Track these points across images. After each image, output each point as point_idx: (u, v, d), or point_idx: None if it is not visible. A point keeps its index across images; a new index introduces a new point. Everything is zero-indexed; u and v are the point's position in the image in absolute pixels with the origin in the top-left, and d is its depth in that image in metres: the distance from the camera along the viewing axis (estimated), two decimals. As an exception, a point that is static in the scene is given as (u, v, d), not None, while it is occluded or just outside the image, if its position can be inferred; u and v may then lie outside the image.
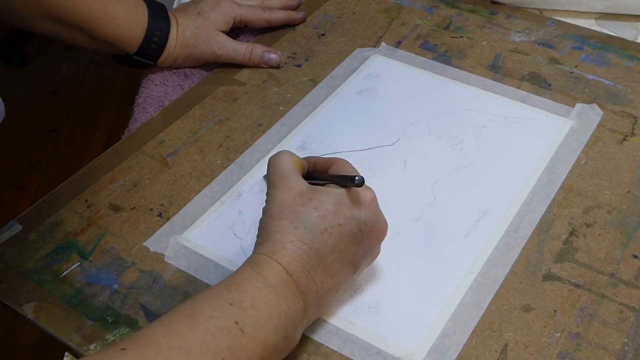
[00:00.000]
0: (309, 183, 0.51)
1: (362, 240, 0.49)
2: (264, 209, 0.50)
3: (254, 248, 0.49)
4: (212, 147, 0.67)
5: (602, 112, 0.68)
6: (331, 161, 0.53)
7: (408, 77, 0.74)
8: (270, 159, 0.53)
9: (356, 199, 0.49)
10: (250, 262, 0.47)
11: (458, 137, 0.67)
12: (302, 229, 0.47)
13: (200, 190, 0.63)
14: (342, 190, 0.49)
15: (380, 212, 0.51)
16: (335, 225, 0.48)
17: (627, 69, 0.73)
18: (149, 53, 0.74)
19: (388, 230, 0.51)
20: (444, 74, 0.74)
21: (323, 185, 0.51)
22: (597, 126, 0.67)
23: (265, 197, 0.51)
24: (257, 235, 0.49)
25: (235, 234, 0.59)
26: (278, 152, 0.53)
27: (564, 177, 0.62)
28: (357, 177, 0.48)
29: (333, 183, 0.50)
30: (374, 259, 0.53)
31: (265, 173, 0.62)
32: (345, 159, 0.54)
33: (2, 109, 0.49)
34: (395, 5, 0.84)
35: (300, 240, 0.47)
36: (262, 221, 0.50)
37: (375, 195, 0.50)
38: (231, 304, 0.44)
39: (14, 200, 1.73)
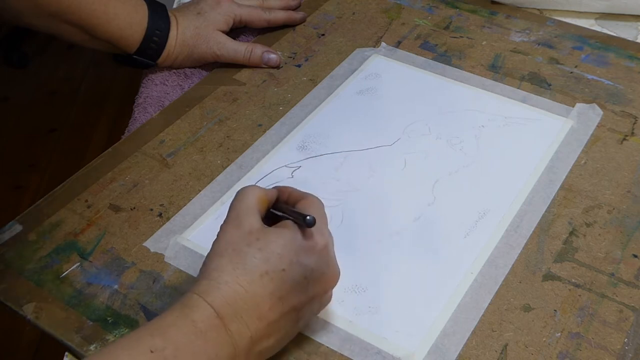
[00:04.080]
0: (271, 213, 0.49)
1: (306, 288, 0.46)
2: (213, 242, 0.48)
3: (193, 283, 0.46)
4: (212, 147, 0.67)
5: (602, 112, 0.68)
6: (303, 196, 0.50)
7: (408, 77, 0.74)
8: (237, 191, 0.50)
9: (307, 244, 0.46)
10: (181, 303, 0.44)
11: (458, 137, 0.67)
12: (241, 270, 0.45)
13: (200, 190, 0.63)
14: (295, 233, 0.46)
15: (333, 259, 0.48)
16: (278, 270, 0.45)
17: (627, 69, 0.73)
18: (149, 53, 0.74)
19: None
20: (444, 74, 0.74)
21: (284, 219, 0.48)
22: (597, 126, 0.67)
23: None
24: (199, 270, 0.47)
25: (235, 234, 0.59)
26: (246, 187, 0.50)
27: (564, 177, 0.62)
28: (308, 217, 0.45)
29: (290, 219, 0.48)
30: (323, 307, 0.50)
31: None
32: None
33: None
34: (395, 5, 0.84)
35: (236, 282, 0.44)
36: (207, 256, 0.47)
37: (329, 242, 0.48)
38: (152, 351, 0.41)
39: (14, 200, 1.73)
